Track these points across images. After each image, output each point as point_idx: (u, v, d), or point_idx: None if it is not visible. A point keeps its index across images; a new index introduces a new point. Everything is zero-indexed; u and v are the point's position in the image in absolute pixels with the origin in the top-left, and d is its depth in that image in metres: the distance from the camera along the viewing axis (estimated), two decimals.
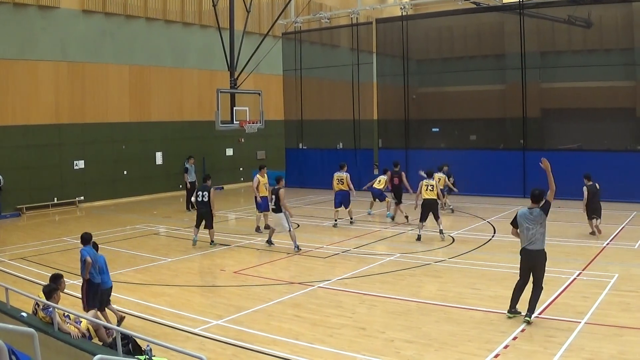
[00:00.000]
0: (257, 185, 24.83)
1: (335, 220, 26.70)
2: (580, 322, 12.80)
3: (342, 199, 26.76)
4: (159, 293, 16.32)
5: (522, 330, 12.50)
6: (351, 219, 26.92)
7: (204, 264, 19.88)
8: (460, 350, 11.67)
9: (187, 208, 31.84)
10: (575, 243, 21.32)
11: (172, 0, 39.05)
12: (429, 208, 22.77)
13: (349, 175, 26.97)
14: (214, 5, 33.12)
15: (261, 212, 25.14)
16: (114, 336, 10.52)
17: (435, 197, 23.07)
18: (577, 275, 16.71)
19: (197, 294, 16.32)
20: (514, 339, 12.07)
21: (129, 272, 18.69)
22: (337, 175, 27.01)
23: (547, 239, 21.45)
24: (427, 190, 22.84)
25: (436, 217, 22.93)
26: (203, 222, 22.43)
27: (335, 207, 26.85)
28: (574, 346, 11.54)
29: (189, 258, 20.64)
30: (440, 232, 22.78)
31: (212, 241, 22.52)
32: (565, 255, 19.43)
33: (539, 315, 13.38)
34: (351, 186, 26.78)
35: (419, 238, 22.52)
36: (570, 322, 12.79)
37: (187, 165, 32.21)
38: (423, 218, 22.80)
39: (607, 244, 20.94)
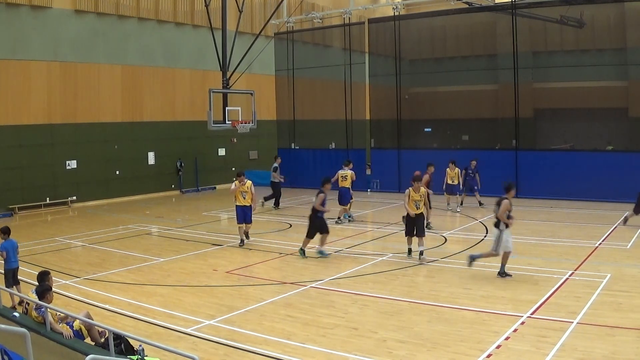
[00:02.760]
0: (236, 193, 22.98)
1: (339, 218, 27.24)
2: (572, 322, 12.81)
3: (344, 196, 27.06)
4: (152, 293, 16.30)
5: (515, 331, 12.51)
6: (350, 216, 27.30)
7: (196, 263, 19.82)
8: (453, 350, 11.67)
9: (277, 205, 32.09)
10: (568, 243, 21.34)
11: (164, 0, 38.99)
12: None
13: (353, 172, 27.48)
14: (207, 5, 33.13)
15: (240, 223, 22.81)
16: (106, 336, 10.51)
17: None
18: (570, 275, 16.74)
19: (190, 293, 16.29)
20: (507, 339, 12.08)
21: (122, 272, 18.65)
22: (340, 172, 27.30)
23: (540, 238, 21.57)
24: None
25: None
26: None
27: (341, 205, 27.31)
28: (566, 346, 11.55)
29: (181, 258, 20.59)
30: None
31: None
32: (558, 255, 19.47)
33: (531, 316, 13.40)
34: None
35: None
36: (562, 322, 12.81)
37: (275, 165, 32.10)
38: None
39: (600, 244, 20.97)
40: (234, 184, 23.43)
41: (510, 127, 34.08)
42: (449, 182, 29.76)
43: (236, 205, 22.99)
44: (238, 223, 22.85)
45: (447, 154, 33.01)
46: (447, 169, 29.52)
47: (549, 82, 35.88)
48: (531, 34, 35.71)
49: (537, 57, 36.56)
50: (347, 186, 26.99)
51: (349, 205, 27.34)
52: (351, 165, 28.19)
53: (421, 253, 19.38)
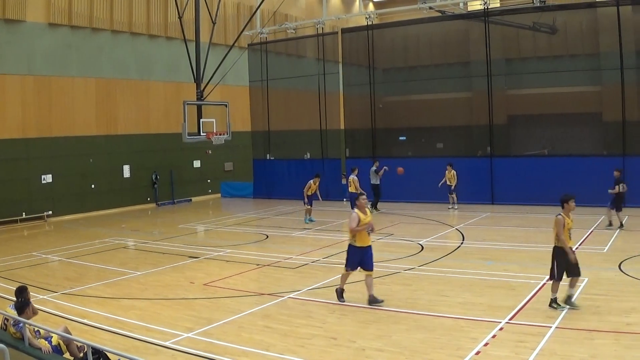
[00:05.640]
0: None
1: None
2: (551, 327, 12.87)
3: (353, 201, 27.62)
4: (129, 307, 16.20)
5: (493, 337, 12.55)
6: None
7: (174, 276, 19.72)
8: (432, 358, 11.70)
9: (375, 207, 31.95)
10: (544, 248, 21.35)
11: (137, 13, 38.93)
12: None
13: (355, 178, 29.42)
14: (180, 17, 33.04)
15: (354, 269, 15.63)
16: (85, 351, 10.45)
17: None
18: (547, 280, 16.80)
19: (167, 306, 16.22)
20: (485, 345, 12.11)
21: (99, 286, 18.52)
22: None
23: (515, 244, 21.62)
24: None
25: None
26: None
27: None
28: (545, 351, 11.60)
29: (158, 271, 20.49)
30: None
31: None
32: (534, 260, 19.55)
33: (510, 321, 13.45)
34: (359, 189, 28.55)
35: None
36: (541, 327, 12.87)
37: (374, 168, 32.05)
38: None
39: (576, 248, 21.04)
40: (354, 212, 15.51)
41: (484, 134, 34.26)
42: (447, 184, 31.97)
43: (352, 246, 15.61)
44: (351, 270, 15.68)
45: (422, 162, 33.32)
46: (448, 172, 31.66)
47: (523, 88, 36.09)
48: (504, 41, 35.97)
49: (510, 64, 36.80)
50: (354, 192, 28.22)
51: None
52: (356, 172, 30.08)
53: (569, 297, 14.36)
